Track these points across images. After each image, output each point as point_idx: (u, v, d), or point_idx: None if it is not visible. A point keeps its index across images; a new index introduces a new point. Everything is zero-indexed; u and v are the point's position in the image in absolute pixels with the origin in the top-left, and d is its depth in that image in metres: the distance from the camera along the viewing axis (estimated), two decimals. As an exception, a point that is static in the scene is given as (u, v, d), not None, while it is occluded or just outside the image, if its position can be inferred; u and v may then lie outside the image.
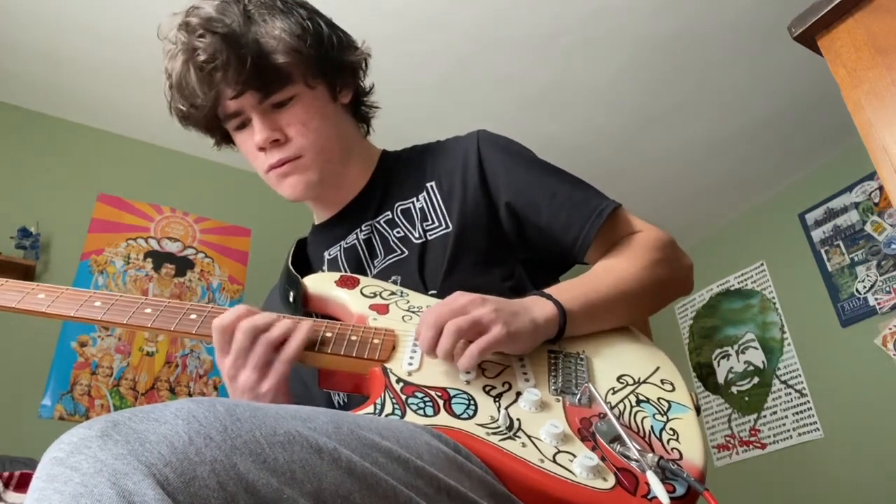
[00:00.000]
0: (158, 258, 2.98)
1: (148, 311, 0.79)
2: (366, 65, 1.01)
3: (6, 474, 1.64)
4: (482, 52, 2.78)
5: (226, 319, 0.75)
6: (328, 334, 0.79)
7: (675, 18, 2.67)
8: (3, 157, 2.81)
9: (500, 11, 2.60)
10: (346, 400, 0.93)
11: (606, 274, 0.87)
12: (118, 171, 3.05)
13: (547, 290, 0.82)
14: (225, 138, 0.99)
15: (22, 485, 1.63)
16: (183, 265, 3.02)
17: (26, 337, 2.53)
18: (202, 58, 0.85)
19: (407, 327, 0.81)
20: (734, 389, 3.70)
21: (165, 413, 0.46)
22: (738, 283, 3.85)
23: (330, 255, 1.01)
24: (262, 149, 0.91)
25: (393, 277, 0.93)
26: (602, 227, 0.89)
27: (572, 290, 0.83)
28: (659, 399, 0.75)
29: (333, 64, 0.94)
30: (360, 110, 1.04)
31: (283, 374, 0.75)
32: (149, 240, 2.99)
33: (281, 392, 0.76)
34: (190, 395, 2.77)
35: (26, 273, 2.58)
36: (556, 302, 0.80)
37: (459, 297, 0.76)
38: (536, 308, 0.79)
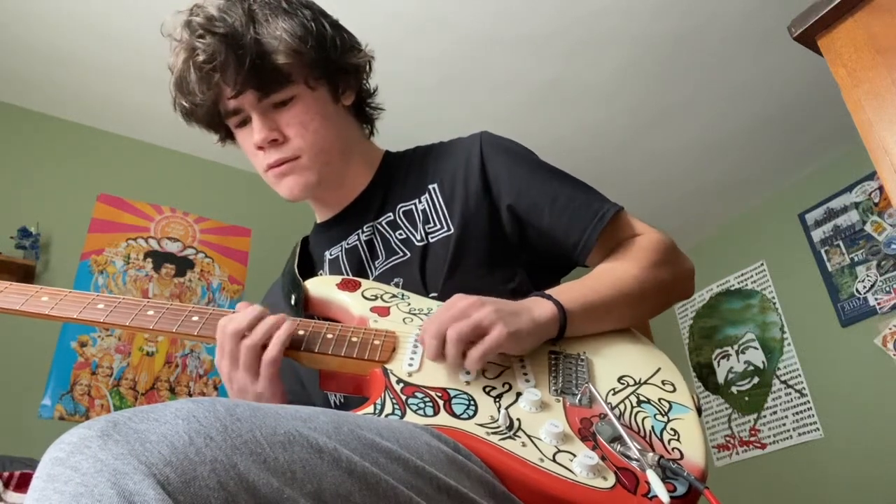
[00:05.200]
0: (158, 258, 2.98)
1: (150, 313, 0.80)
2: (369, 67, 1.01)
3: (6, 474, 1.64)
4: (482, 53, 2.78)
5: (228, 321, 0.77)
6: (329, 336, 0.79)
7: (674, 18, 2.67)
8: (3, 157, 2.81)
9: (499, 12, 2.60)
10: (342, 400, 0.93)
11: (607, 275, 0.87)
12: (118, 171, 3.05)
13: (547, 291, 0.82)
14: (228, 135, 0.99)
15: (22, 485, 1.63)
16: (183, 265, 3.02)
17: (26, 337, 2.53)
18: (201, 58, 0.85)
19: (407, 329, 0.81)
20: (734, 389, 3.70)
21: (165, 413, 0.46)
22: (738, 283, 3.85)
23: (331, 255, 1.01)
24: (260, 148, 0.92)
25: (395, 280, 0.93)
26: (604, 231, 0.89)
27: (572, 290, 0.83)
28: (660, 400, 0.75)
29: (336, 65, 0.94)
30: (363, 111, 1.04)
31: (272, 376, 0.76)
32: (149, 240, 2.99)
33: (277, 393, 0.77)
34: (190, 395, 2.77)
35: (26, 273, 2.57)
36: (555, 302, 0.80)
37: (458, 301, 0.76)
38: (536, 308, 0.79)
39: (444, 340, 0.72)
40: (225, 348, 0.76)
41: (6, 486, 1.62)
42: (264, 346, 0.76)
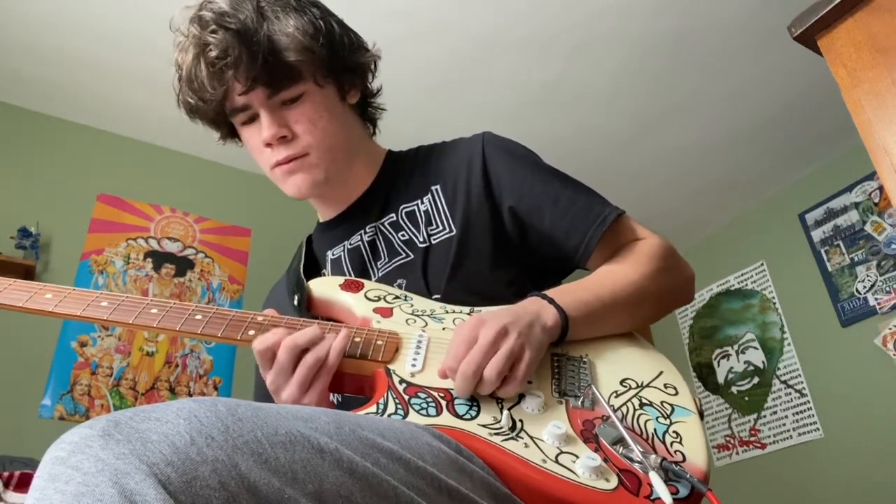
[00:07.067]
0: (158, 258, 2.98)
1: (154, 311, 0.80)
2: (375, 66, 1.01)
3: (6, 474, 1.64)
4: (482, 54, 2.78)
5: (268, 341, 0.75)
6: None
7: (674, 19, 2.67)
8: (3, 157, 2.80)
9: (500, 13, 2.60)
10: (340, 399, 0.93)
11: (608, 280, 0.87)
12: (118, 171, 3.05)
13: (549, 293, 0.82)
14: (231, 133, 0.99)
15: (22, 485, 1.63)
16: (183, 265, 3.02)
17: (26, 337, 2.53)
18: (214, 53, 0.84)
19: (410, 330, 0.81)
20: (734, 389, 3.70)
21: (167, 412, 0.46)
22: (738, 283, 3.85)
23: (333, 255, 1.01)
24: (268, 145, 0.91)
25: (398, 281, 0.93)
26: (605, 234, 0.89)
27: (574, 294, 0.83)
28: (662, 402, 0.75)
29: (344, 64, 0.94)
30: (366, 111, 1.04)
31: (325, 386, 0.75)
32: (149, 240, 2.99)
33: (323, 404, 0.76)
34: (190, 395, 2.77)
35: (26, 273, 2.57)
36: (557, 306, 0.80)
37: (482, 330, 0.72)
38: (543, 314, 0.78)
39: (482, 378, 0.70)
40: (276, 364, 0.75)
41: (6, 486, 1.62)
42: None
